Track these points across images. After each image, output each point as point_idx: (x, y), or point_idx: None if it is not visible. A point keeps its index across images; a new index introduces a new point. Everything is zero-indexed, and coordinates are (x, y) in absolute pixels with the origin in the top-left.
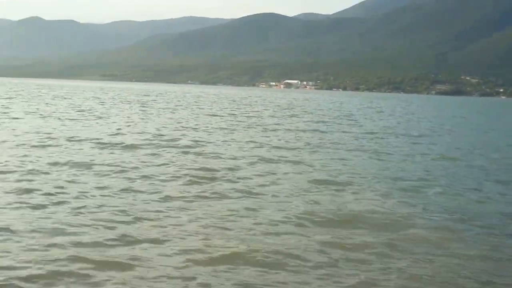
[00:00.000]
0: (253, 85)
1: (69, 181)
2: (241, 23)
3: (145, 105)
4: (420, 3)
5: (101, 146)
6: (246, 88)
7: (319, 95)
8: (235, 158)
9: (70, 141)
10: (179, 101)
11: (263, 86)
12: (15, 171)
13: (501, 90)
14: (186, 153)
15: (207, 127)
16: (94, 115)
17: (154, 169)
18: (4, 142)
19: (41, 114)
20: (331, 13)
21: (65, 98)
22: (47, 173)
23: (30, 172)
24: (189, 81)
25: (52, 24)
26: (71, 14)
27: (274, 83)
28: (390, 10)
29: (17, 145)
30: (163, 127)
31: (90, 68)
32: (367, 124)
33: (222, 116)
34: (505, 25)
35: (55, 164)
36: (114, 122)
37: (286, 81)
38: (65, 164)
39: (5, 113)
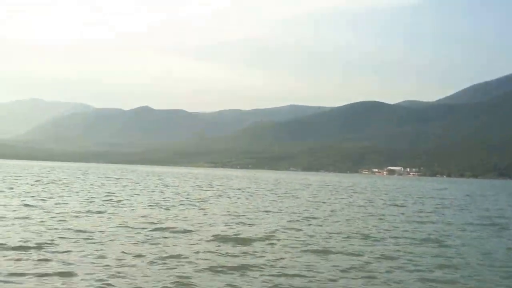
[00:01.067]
0: (356, 171)
1: None
2: (343, 111)
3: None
4: None
5: None
6: (348, 175)
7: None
8: None
9: None
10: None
11: (366, 172)
12: None
13: None
14: None
15: None
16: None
17: None
18: None
19: None
20: (434, 100)
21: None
22: None
23: None
24: (290, 168)
25: (161, 113)
26: (179, 103)
27: (376, 170)
28: (492, 96)
29: None
30: None
31: (197, 155)
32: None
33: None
34: None
35: None
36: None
37: (389, 167)
38: None
39: None
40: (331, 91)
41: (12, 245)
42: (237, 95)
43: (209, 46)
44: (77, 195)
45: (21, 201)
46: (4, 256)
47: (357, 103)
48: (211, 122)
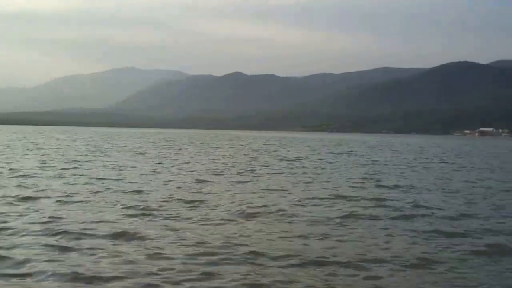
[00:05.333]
0: (448, 133)
1: None
2: (435, 73)
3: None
4: None
5: None
6: (440, 137)
7: None
8: None
9: None
10: None
11: (458, 134)
12: None
13: None
14: None
15: None
16: None
17: None
18: None
19: None
20: None
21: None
22: None
23: None
24: (383, 131)
25: (253, 79)
26: (270, 68)
27: (468, 131)
28: None
29: None
30: None
31: (290, 120)
32: None
33: None
34: None
35: None
36: None
37: (481, 129)
38: None
39: None
40: (423, 52)
41: None
42: (328, 58)
43: (298, 10)
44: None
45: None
46: None
47: (449, 64)
48: (302, 86)
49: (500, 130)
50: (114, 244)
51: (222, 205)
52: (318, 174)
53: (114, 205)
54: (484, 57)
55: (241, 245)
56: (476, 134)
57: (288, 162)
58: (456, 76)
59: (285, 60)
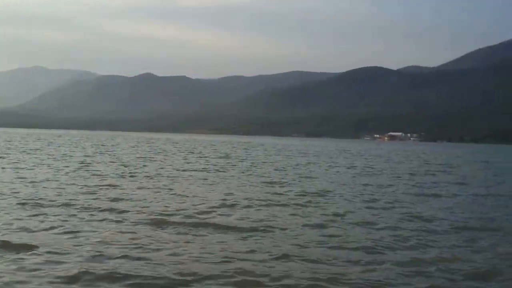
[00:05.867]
0: (357, 137)
1: None
2: (346, 77)
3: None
4: None
5: None
6: (349, 141)
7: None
8: None
9: None
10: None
11: (367, 138)
12: None
13: None
14: None
15: None
16: None
17: None
18: None
19: None
20: (435, 65)
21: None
22: None
23: None
24: (293, 134)
25: (165, 80)
26: (182, 70)
27: (378, 136)
28: (496, 62)
29: None
30: None
31: (198, 122)
32: None
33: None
34: None
35: None
36: None
37: (390, 133)
38: None
39: None
40: (334, 57)
41: None
42: (240, 61)
43: (211, 12)
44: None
45: None
46: None
47: (360, 68)
48: (214, 89)
49: (408, 135)
50: None
51: None
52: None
53: None
54: (395, 63)
55: None
56: (386, 138)
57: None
58: (367, 81)
59: (197, 62)
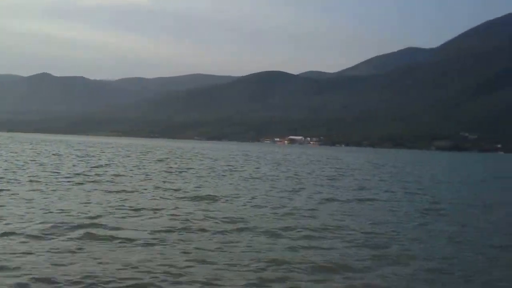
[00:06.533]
0: (258, 140)
1: None
2: (247, 81)
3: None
4: (422, 62)
5: None
6: (250, 144)
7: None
8: None
9: None
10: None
11: (268, 141)
12: None
13: (499, 146)
14: None
15: None
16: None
17: None
18: None
19: None
20: (334, 71)
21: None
22: None
23: None
24: (195, 137)
25: (62, 80)
26: (80, 71)
27: (278, 139)
28: (392, 69)
29: None
30: None
31: (98, 124)
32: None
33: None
34: (503, 84)
35: None
36: None
37: (290, 137)
38: None
39: None
40: (236, 61)
41: None
42: (141, 63)
43: (110, 12)
44: None
45: None
46: None
47: (261, 72)
48: (113, 90)
49: (308, 139)
50: None
51: None
52: None
53: None
54: (295, 68)
55: None
56: (286, 141)
57: None
58: (268, 85)
59: (96, 62)
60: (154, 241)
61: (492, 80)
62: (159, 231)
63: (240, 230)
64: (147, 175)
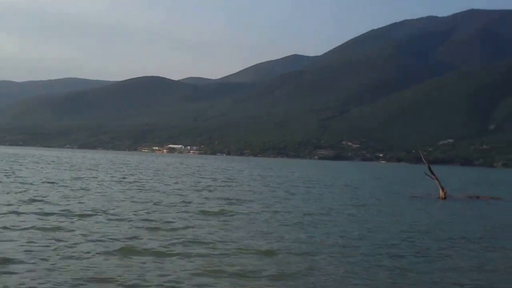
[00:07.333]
0: (135, 149)
1: None
2: (125, 86)
3: None
4: (305, 70)
5: None
6: (125, 152)
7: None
8: None
9: None
10: None
11: (146, 150)
12: None
13: (381, 155)
14: None
15: None
16: None
17: None
18: None
19: None
20: (217, 77)
21: None
22: None
23: None
24: (67, 145)
25: None
26: None
27: (157, 148)
28: (275, 76)
29: None
30: None
31: None
32: None
33: None
34: (385, 92)
35: None
36: None
37: (170, 145)
38: None
39: None
40: (114, 66)
41: None
42: (10, 66)
43: None
44: None
45: None
46: None
47: (140, 78)
48: None
49: (188, 147)
50: None
51: None
52: None
53: None
54: (177, 74)
55: None
56: (165, 150)
57: None
58: (147, 90)
59: None
60: None
61: (375, 88)
62: None
63: None
64: None
